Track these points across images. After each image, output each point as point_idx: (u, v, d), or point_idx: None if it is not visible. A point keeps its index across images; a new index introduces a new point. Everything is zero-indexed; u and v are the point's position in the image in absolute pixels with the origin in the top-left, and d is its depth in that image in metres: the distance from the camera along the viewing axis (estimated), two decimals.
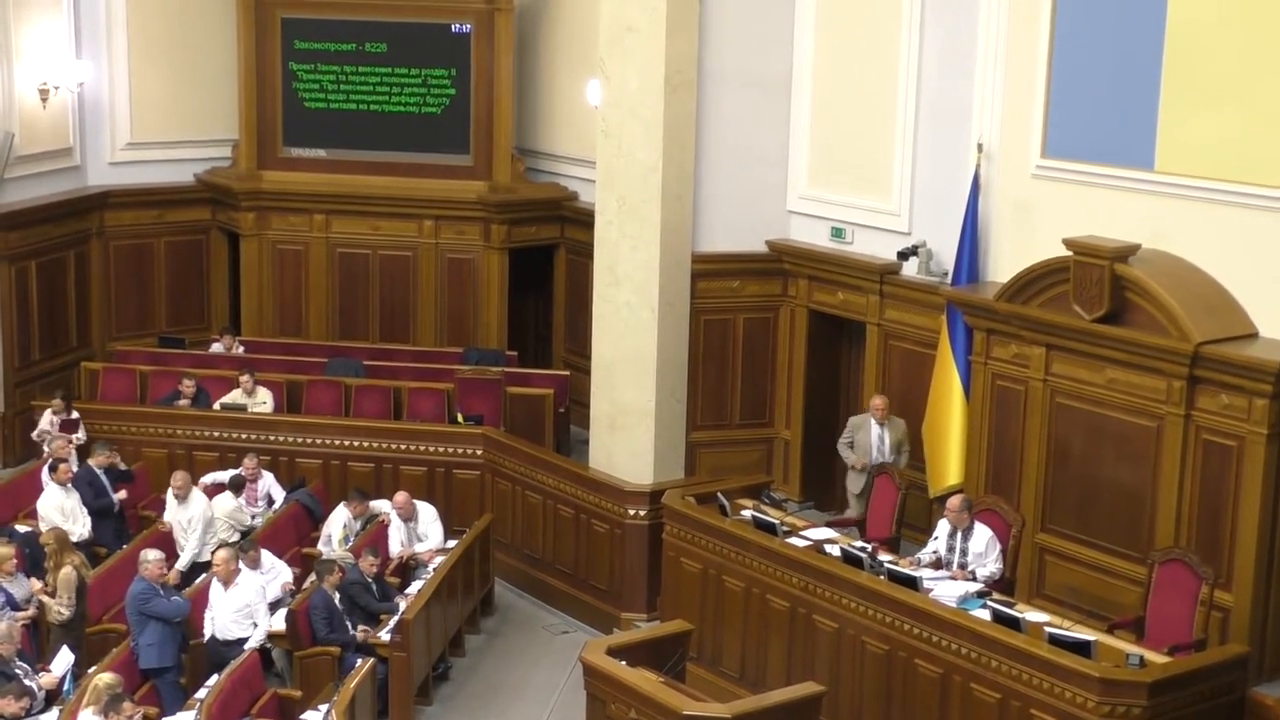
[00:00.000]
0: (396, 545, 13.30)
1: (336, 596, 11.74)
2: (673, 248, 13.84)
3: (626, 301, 13.82)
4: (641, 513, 13.12)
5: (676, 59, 13.62)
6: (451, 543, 13.34)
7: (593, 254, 14.33)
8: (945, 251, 13.19)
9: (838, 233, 14.33)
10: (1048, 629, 9.92)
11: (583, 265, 16.55)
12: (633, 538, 13.15)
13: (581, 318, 16.20)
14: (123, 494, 13.78)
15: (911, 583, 10.64)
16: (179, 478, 13.36)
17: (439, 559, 12.96)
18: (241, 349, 17.36)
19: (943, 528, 11.48)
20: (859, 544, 11.65)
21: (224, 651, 11.50)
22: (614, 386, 13.90)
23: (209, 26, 18.49)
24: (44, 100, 17.26)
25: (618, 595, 13.28)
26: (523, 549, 14.26)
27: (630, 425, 13.75)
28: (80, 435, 14.79)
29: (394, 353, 17.47)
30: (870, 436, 13.09)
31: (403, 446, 14.92)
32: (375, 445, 14.96)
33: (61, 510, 13.04)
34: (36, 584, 11.92)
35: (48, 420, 14.83)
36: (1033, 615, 10.30)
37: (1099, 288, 11.25)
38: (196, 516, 13.15)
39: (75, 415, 14.99)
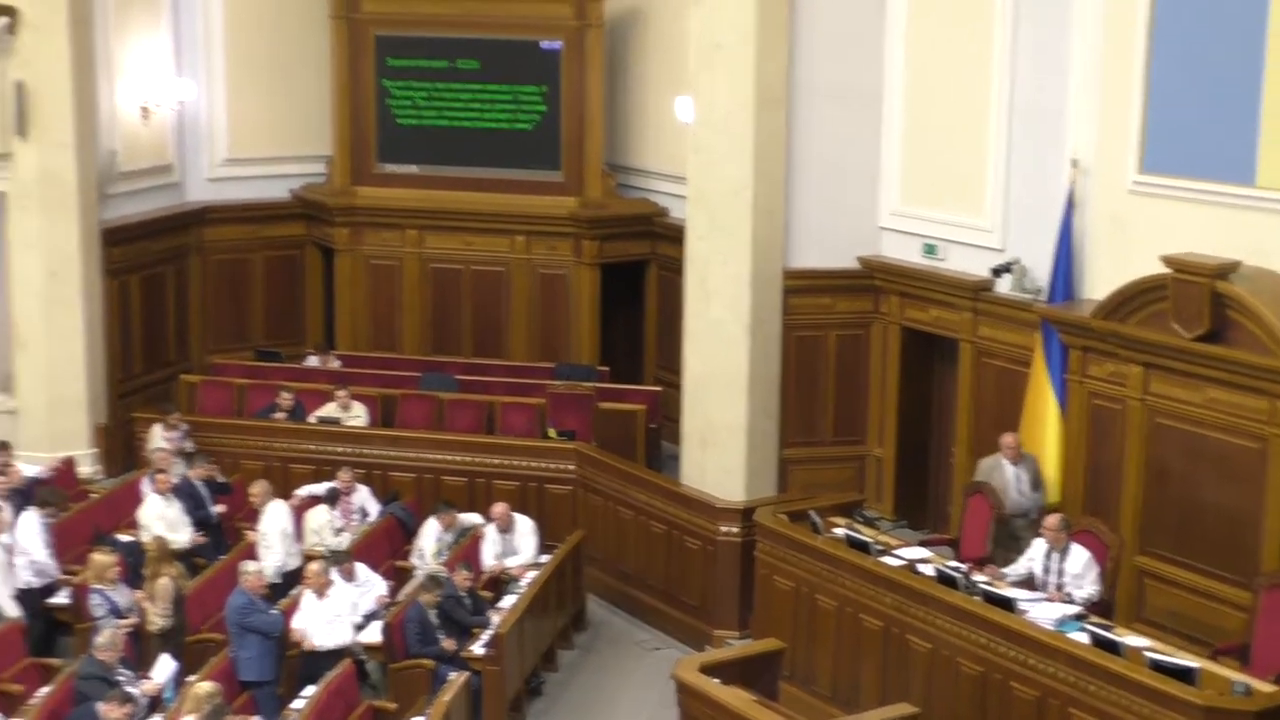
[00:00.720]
0: (490, 558, 13.37)
1: (433, 613, 11.83)
2: (764, 264, 13.85)
3: (718, 317, 13.84)
4: (733, 529, 13.11)
5: (766, 74, 13.65)
6: (544, 557, 13.40)
7: (683, 270, 14.37)
8: (1040, 268, 13.07)
9: (930, 249, 14.25)
10: (1148, 654, 9.78)
11: (673, 281, 16.57)
12: (725, 554, 13.15)
13: (672, 333, 16.21)
14: (221, 507, 13.97)
15: (1007, 604, 10.55)
16: (257, 487, 13.53)
17: (531, 574, 13.02)
18: (337, 363, 17.55)
19: (1039, 547, 11.37)
20: (953, 563, 11.57)
21: (315, 662, 11.61)
22: (705, 402, 13.91)
23: (304, 44, 18.75)
24: (145, 118, 17.60)
25: (710, 612, 13.27)
26: (615, 565, 14.29)
27: (722, 441, 13.76)
28: (189, 446, 14.99)
29: (487, 367, 17.57)
30: (1006, 478, 12.41)
31: (495, 461, 15.02)
32: (468, 460, 15.07)
33: (163, 520, 13.24)
34: (137, 593, 12.12)
35: (160, 437, 14.96)
36: (1132, 639, 10.17)
37: (1199, 305, 11.10)
38: (270, 530, 13.22)
39: (185, 428, 15.19)
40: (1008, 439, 12.57)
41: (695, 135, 14.02)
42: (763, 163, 13.70)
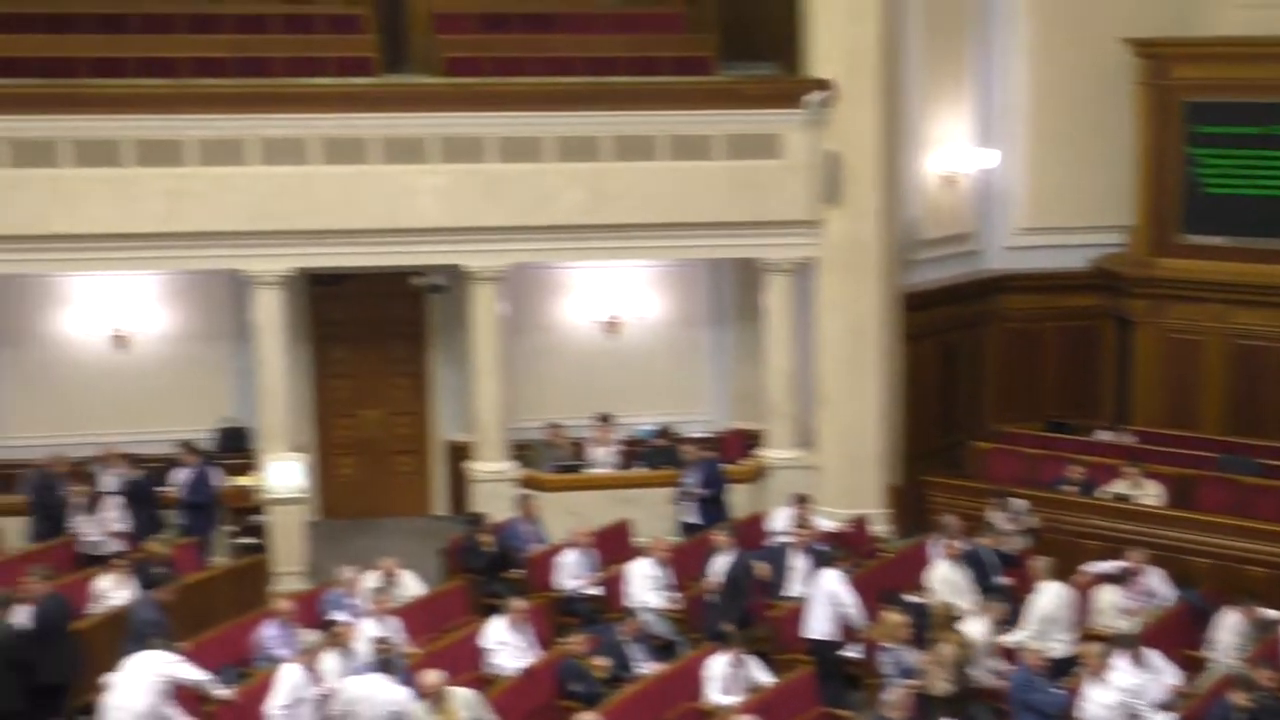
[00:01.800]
0: None
1: (1242, 716, 11.08)
2: None
3: None
4: None
5: None
6: None
7: None
8: None
9: None
10: None
11: None
12: None
13: None
14: (1007, 579, 13.87)
15: None
16: (1038, 563, 13.32)
17: None
18: (1130, 438, 17.11)
19: None
20: None
21: None
22: None
23: (1107, 112, 18.43)
24: (947, 186, 18.01)
25: None
26: None
27: None
28: (1034, 522, 15.04)
29: None
30: None
31: None
32: (1274, 550, 14.20)
33: (950, 585, 13.36)
34: (922, 655, 12.25)
35: (1002, 519, 15.01)
36: None
37: None
38: (1033, 610, 12.88)
39: (1025, 505, 15.12)
40: None
41: None
42: None
